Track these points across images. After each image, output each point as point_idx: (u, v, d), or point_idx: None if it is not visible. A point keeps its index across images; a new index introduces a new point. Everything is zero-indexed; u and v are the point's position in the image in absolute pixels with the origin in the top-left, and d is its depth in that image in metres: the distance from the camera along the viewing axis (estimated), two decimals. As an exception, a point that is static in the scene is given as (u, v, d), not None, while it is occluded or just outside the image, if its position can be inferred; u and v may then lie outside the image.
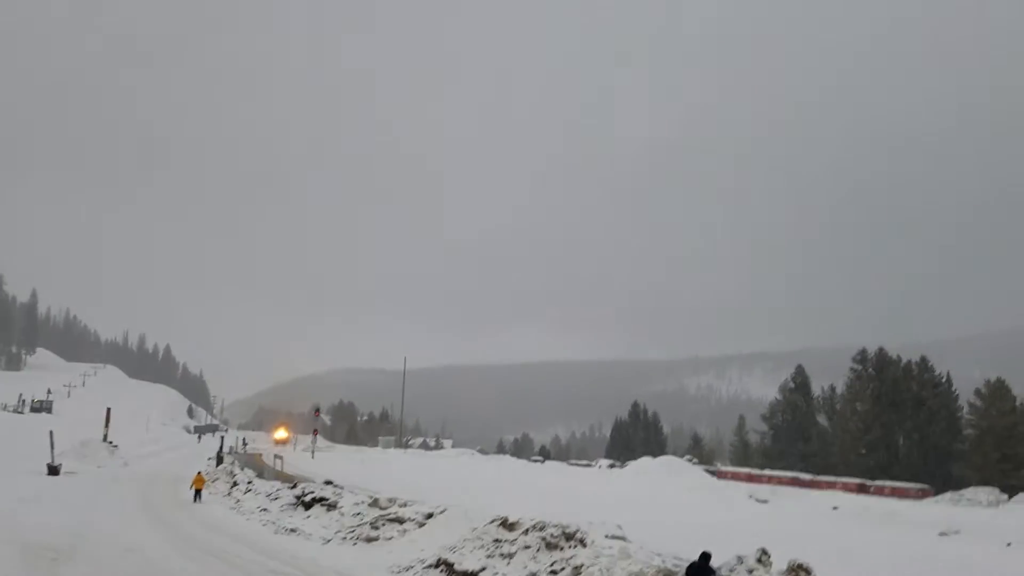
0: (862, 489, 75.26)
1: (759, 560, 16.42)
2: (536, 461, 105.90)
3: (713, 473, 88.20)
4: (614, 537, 20.14)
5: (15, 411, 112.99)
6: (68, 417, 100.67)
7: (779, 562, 16.21)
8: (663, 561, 18.08)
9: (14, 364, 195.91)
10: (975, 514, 48.67)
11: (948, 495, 71.69)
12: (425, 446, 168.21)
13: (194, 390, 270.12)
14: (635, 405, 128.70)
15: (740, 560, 16.64)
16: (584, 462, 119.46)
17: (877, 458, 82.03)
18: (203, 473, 40.73)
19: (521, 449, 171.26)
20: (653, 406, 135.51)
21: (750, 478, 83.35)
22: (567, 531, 20.22)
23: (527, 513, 28.43)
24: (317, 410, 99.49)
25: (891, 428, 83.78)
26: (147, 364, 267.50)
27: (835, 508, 44.29)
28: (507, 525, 21.76)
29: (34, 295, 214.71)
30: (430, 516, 25.67)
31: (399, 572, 21.35)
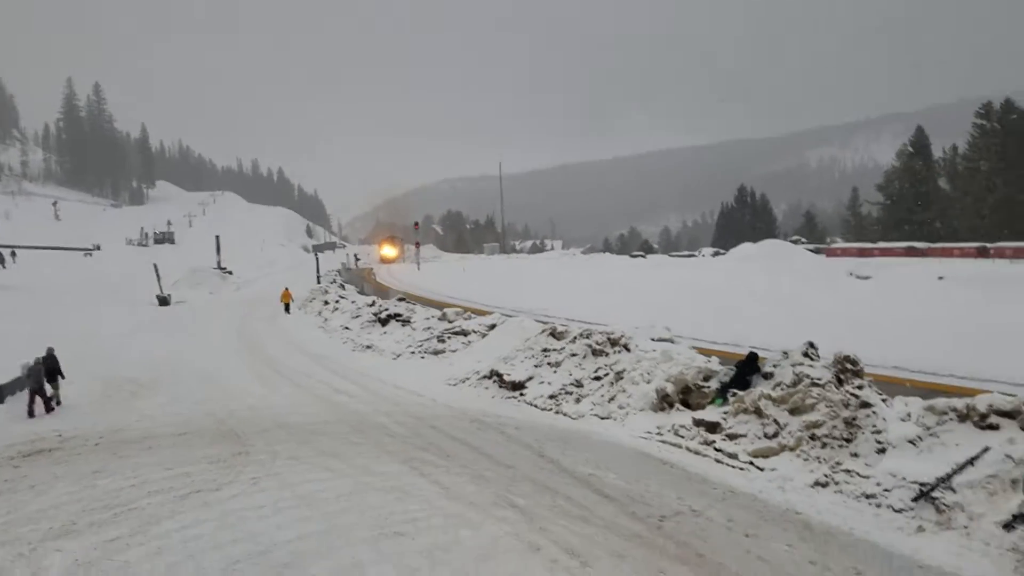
0: (982, 253, 71.00)
1: (805, 354, 15.36)
2: (637, 256, 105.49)
3: (821, 251, 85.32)
4: (661, 340, 19.53)
5: (139, 244, 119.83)
6: (190, 246, 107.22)
7: (832, 351, 15.02)
8: (706, 361, 17.37)
9: (137, 199, 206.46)
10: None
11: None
12: (534, 249, 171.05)
13: (311, 210, 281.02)
14: (741, 188, 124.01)
15: (785, 355, 15.65)
16: (686, 253, 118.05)
17: (1000, 219, 76.52)
18: (289, 290, 44.03)
19: (627, 245, 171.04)
20: (771, 185, 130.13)
21: (861, 253, 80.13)
22: (612, 337, 19.70)
23: (594, 316, 28.27)
24: (416, 223, 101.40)
25: (1018, 186, 77.19)
26: (263, 188, 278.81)
27: (940, 278, 41.63)
28: (556, 335, 21.47)
29: (144, 130, 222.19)
30: (493, 327, 25.79)
31: (454, 383, 21.73)
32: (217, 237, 77.36)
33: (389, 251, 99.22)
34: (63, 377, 20.64)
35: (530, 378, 20.02)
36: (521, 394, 19.63)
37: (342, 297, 40.89)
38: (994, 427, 11.08)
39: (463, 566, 9.41)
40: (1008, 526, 9.56)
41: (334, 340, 31.89)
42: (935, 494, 10.52)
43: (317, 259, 68.72)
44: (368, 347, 29.13)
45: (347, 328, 33.08)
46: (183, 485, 12.86)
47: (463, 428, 16.62)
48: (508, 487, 12.38)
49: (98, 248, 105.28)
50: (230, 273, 70.17)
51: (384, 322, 31.36)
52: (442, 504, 11.59)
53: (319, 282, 54.22)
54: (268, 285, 63.57)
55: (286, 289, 46.14)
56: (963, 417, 11.41)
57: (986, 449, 10.74)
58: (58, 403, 20.07)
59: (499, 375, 20.83)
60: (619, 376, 18.14)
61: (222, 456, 14.63)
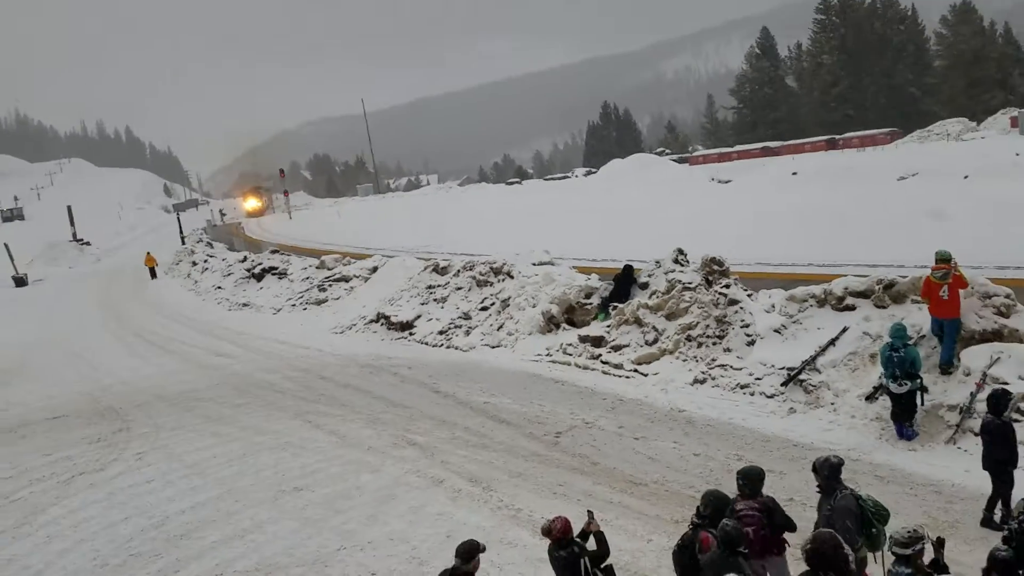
0: (831, 145, 75.44)
1: (675, 261, 15.99)
2: (513, 183, 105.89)
3: (685, 161, 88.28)
4: (542, 263, 19.78)
5: None
6: (41, 220, 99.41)
7: (700, 255, 15.63)
8: (586, 280, 17.79)
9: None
10: (938, 151, 48.64)
11: (916, 134, 71.85)
12: (410, 186, 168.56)
13: (167, 168, 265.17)
14: (605, 105, 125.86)
15: (658, 264, 16.23)
16: (560, 175, 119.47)
17: (846, 110, 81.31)
18: (151, 254, 42.03)
19: (502, 173, 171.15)
20: (633, 100, 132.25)
21: (721, 158, 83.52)
22: (494, 267, 19.82)
23: (475, 247, 28.31)
24: (282, 171, 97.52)
25: (859, 76, 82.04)
26: (113, 150, 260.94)
27: (794, 174, 44.08)
28: (439, 270, 21.38)
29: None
30: (375, 270, 25.38)
31: (340, 331, 21.41)
32: (69, 208, 71.90)
33: (254, 203, 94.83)
34: None
35: (418, 316, 19.94)
36: (411, 334, 19.56)
37: (211, 256, 39.07)
38: (851, 308, 11.94)
39: (366, 510, 9.43)
40: (870, 397, 10.40)
41: (207, 302, 30.63)
42: (802, 377, 11.30)
43: (179, 219, 65.25)
44: (244, 305, 28.17)
45: (220, 288, 31.78)
46: (65, 469, 12.23)
47: (354, 375, 16.45)
48: (406, 427, 12.42)
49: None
50: (88, 244, 65.83)
51: (259, 277, 30.31)
52: (340, 453, 11.51)
53: (184, 243, 51.56)
54: (130, 252, 60.05)
55: (148, 253, 43.77)
56: (822, 302, 12.22)
57: (845, 329, 11.58)
58: None
59: (386, 317, 20.63)
60: (505, 304, 18.34)
61: (102, 435, 13.96)
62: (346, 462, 11.07)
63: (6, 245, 47.23)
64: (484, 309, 18.88)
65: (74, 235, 67.69)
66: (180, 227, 59.97)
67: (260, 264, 30.95)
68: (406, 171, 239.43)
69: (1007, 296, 10.45)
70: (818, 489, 6.02)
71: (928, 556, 5.04)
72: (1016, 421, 8.78)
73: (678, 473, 9.47)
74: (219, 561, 8.60)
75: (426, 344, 18.63)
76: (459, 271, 20.72)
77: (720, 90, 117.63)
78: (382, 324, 20.69)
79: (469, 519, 8.76)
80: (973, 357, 9.83)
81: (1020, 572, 4.91)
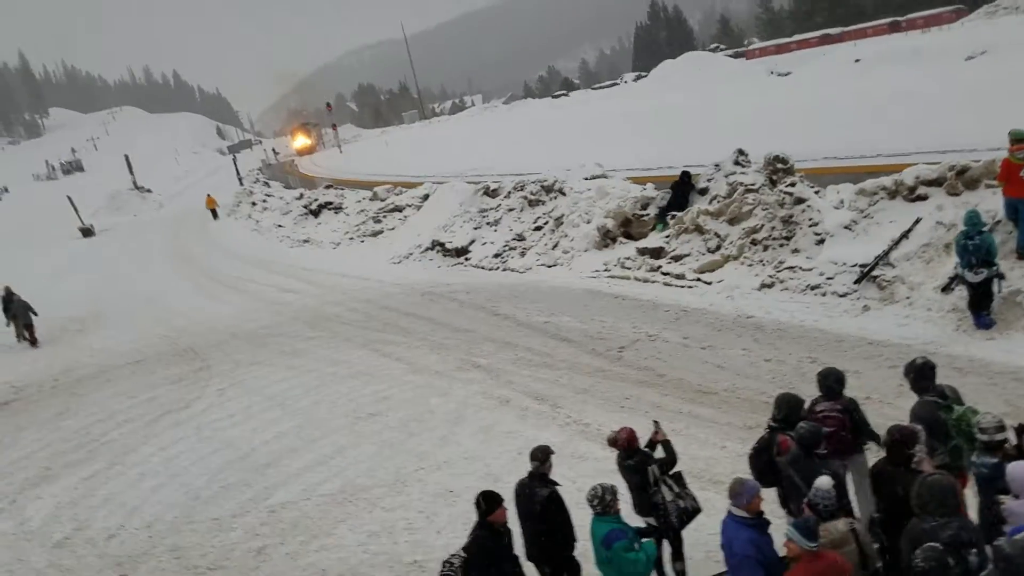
0: (894, 27, 71.33)
1: (736, 163, 15.52)
2: (560, 96, 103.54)
3: (741, 56, 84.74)
4: (595, 177, 19.41)
5: (48, 178, 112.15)
6: (100, 170, 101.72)
7: (762, 154, 15.09)
8: (642, 190, 17.42)
9: (33, 131, 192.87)
10: (1008, 26, 45.46)
11: (983, 9, 67.24)
12: (455, 108, 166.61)
13: (217, 110, 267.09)
14: (653, 4, 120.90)
15: (718, 167, 15.78)
16: (609, 83, 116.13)
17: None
18: (212, 196, 42.84)
19: (548, 87, 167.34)
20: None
21: (779, 50, 79.84)
22: (545, 185, 19.56)
23: (524, 166, 27.92)
24: (329, 105, 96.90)
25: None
26: (162, 96, 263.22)
27: (857, 60, 41.89)
28: (490, 193, 21.22)
29: (22, 56, 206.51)
30: (426, 198, 25.36)
31: (398, 261, 21.60)
32: (127, 156, 73.27)
33: (303, 140, 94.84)
34: (35, 314, 20.10)
35: (472, 241, 19.94)
36: (466, 259, 19.61)
37: (268, 195, 39.61)
38: (923, 198, 11.42)
39: (439, 431, 9.64)
40: (946, 288, 10.02)
41: (269, 240, 31.18)
42: (875, 272, 10.94)
43: (235, 160, 65.95)
44: (305, 241, 28.58)
45: (280, 226, 32.28)
46: (151, 410, 12.77)
47: (415, 303, 16.62)
48: (469, 350, 12.55)
49: (6, 190, 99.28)
50: (149, 191, 67.25)
51: (316, 213, 30.64)
52: (409, 379, 11.73)
53: (242, 184, 52.26)
54: (191, 196, 61.04)
55: (209, 196, 44.61)
56: (893, 194, 11.71)
57: (918, 220, 11.11)
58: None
59: (441, 244, 20.69)
60: (559, 222, 18.15)
61: (183, 375, 14.49)
62: (415, 387, 11.29)
63: (69, 198, 48.50)
64: (538, 229, 18.74)
65: (134, 183, 68.98)
66: (236, 168, 60.69)
67: (316, 200, 31.23)
68: (450, 94, 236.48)
69: (1094, 173, 9.79)
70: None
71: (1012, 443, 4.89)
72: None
73: (749, 380, 9.36)
74: (305, 486, 8.95)
75: (482, 268, 18.66)
76: (510, 192, 20.52)
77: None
78: (437, 251, 20.77)
79: (539, 436, 8.83)
80: (1057, 240, 9.33)
81: None
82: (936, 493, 4.25)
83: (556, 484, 5.58)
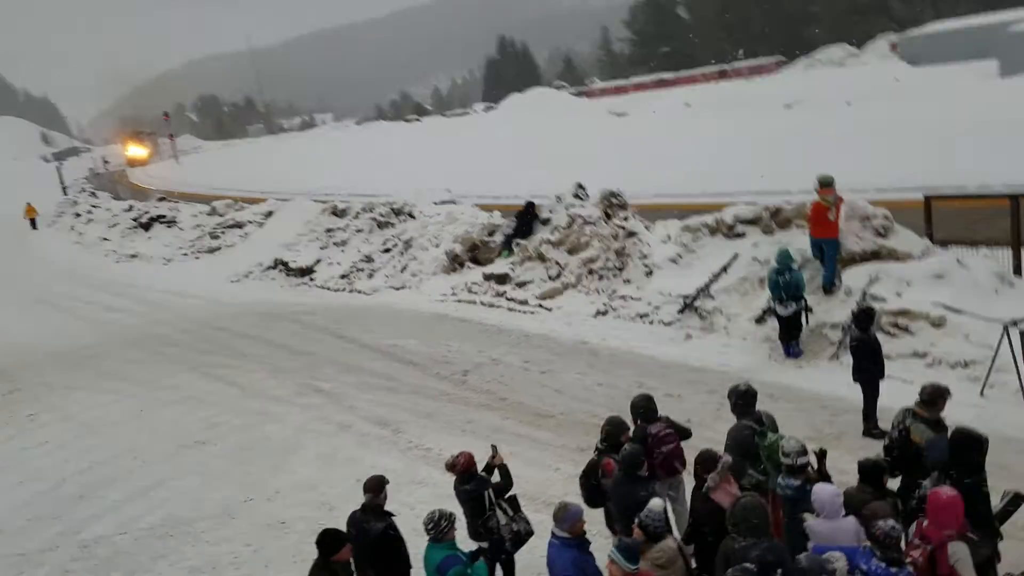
0: (722, 75, 77.03)
1: (575, 195, 16.19)
2: (413, 120, 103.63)
3: (583, 94, 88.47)
4: (444, 203, 19.64)
5: None
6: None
7: (599, 189, 15.86)
8: (489, 217, 17.76)
9: None
10: (822, 77, 50.29)
11: (802, 61, 74.11)
12: (304, 125, 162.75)
13: (44, 116, 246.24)
14: (502, 39, 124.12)
15: (559, 199, 16.38)
16: (460, 111, 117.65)
17: (736, 40, 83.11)
18: (32, 204, 39.49)
19: (400, 110, 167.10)
20: (530, 33, 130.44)
21: (617, 91, 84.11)
22: (395, 207, 19.55)
23: (375, 188, 27.75)
24: (166, 114, 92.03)
25: (746, 4, 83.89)
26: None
27: (687, 105, 45.12)
28: (337, 212, 20.91)
29: None
30: (269, 215, 24.51)
31: (236, 280, 20.71)
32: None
33: (137, 150, 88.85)
34: None
35: (318, 261, 19.51)
36: (311, 279, 19.15)
37: (95, 206, 36.76)
38: (741, 235, 12.39)
39: (272, 460, 9.32)
40: (759, 320, 10.90)
41: (94, 254, 28.99)
42: (697, 304, 11.72)
43: (59, 168, 60.91)
44: (133, 256, 26.82)
45: (106, 239, 30.08)
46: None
47: (253, 324, 16.02)
48: (311, 374, 12.24)
49: None
50: (-47, 199, 60.92)
51: (147, 226, 28.83)
52: (242, 404, 11.27)
53: (66, 193, 48.36)
54: (7, 206, 55.87)
55: (28, 204, 40.92)
56: (714, 231, 12.63)
57: (735, 256, 12.03)
58: None
59: (284, 263, 20.08)
60: (408, 245, 18.15)
61: (-13, 400, 13.19)
62: (249, 413, 10.87)
63: None
64: (387, 251, 18.64)
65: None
66: (60, 177, 56.15)
67: (147, 213, 29.41)
68: (299, 110, 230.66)
69: (885, 216, 11.03)
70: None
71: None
72: (891, 335, 9.42)
73: (583, 403, 9.74)
74: (122, 520, 8.38)
75: (327, 289, 18.30)
76: (358, 213, 20.31)
77: (616, 22, 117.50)
78: (280, 270, 20.15)
79: (379, 462, 8.77)
80: (854, 277, 10.40)
81: (893, 474, 5.36)
82: (747, 514, 4.60)
83: (391, 515, 5.54)
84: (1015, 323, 8.17)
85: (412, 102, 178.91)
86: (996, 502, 5.13)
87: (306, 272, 19.41)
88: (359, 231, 19.73)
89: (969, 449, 5.01)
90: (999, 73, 39.22)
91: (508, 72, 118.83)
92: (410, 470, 8.48)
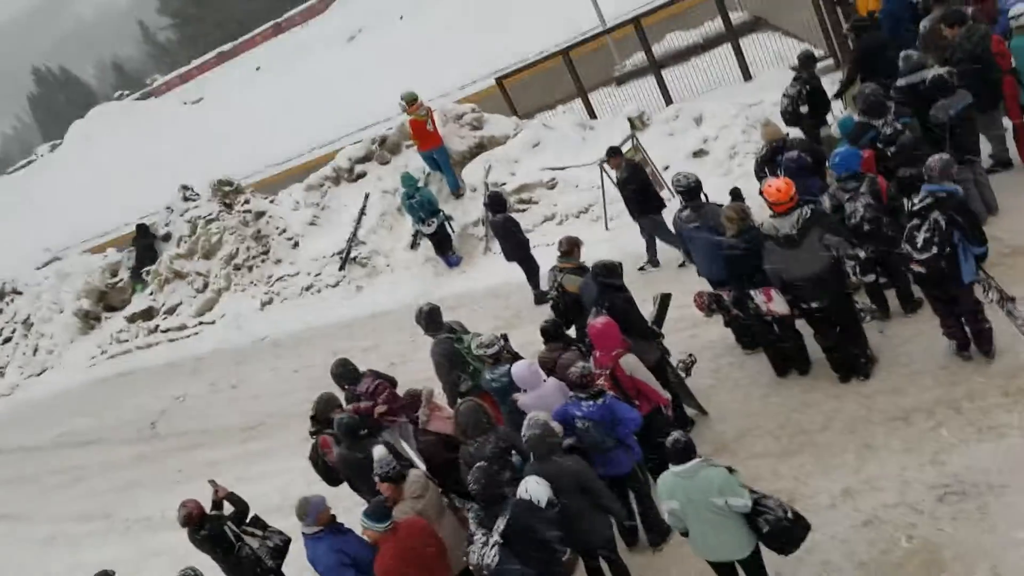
0: (278, 30, 74.46)
1: (185, 198, 15.09)
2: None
3: (150, 95, 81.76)
4: (46, 264, 17.23)
5: None
6: None
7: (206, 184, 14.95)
8: (103, 258, 15.99)
9: None
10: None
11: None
12: None
13: None
14: (36, 71, 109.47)
15: (169, 209, 15.16)
16: (24, 162, 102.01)
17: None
18: None
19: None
20: (62, 56, 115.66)
21: (183, 79, 78.43)
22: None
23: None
24: None
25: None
26: None
27: (258, 69, 44.35)
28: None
29: None
30: None
31: None
32: None
33: None
34: None
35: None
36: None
37: None
38: (363, 175, 12.51)
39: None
40: (413, 246, 11.27)
41: None
42: (352, 255, 11.76)
43: None
44: None
45: None
46: None
47: None
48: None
49: None
50: None
51: None
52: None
53: None
54: None
55: None
56: (336, 180, 12.68)
57: (367, 196, 12.16)
58: None
59: None
60: (28, 324, 15.77)
61: None
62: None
63: None
64: (7, 341, 16.03)
65: None
66: None
67: None
68: None
69: (474, 110, 11.88)
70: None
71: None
72: (521, 210, 10.36)
73: (287, 396, 9.45)
74: None
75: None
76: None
77: (149, 12, 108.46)
78: None
79: (103, 557, 7.76)
80: (471, 174, 11.15)
81: (568, 326, 6.05)
82: (467, 418, 4.93)
83: None
84: (604, 160, 9.40)
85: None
86: (650, 310, 5.99)
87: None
88: None
89: (609, 275, 5.77)
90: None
91: (58, 102, 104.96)
92: (141, 547, 7.77)
